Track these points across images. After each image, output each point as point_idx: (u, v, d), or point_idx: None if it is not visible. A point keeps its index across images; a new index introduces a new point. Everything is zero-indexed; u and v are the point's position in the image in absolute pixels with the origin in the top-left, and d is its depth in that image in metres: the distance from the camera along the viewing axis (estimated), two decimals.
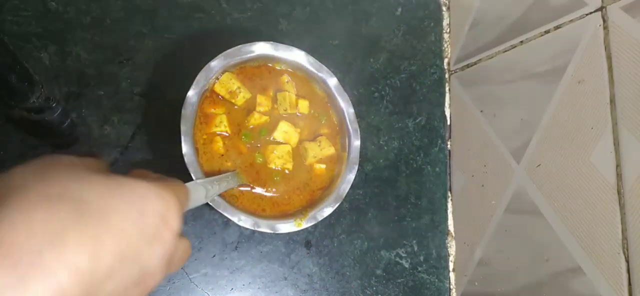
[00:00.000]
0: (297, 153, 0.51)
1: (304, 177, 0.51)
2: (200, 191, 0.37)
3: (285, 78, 0.52)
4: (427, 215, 0.63)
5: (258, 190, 0.48)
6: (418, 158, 0.64)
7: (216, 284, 0.51)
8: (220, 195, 0.44)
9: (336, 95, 0.53)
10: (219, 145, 0.47)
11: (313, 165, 0.51)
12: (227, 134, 0.48)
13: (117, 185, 0.24)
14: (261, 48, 0.50)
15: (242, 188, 0.47)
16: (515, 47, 0.59)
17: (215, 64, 0.47)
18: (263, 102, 0.50)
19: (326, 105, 0.54)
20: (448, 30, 0.72)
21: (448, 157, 0.67)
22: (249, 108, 0.49)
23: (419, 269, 0.61)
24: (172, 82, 0.52)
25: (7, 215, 0.19)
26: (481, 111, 0.63)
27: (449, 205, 0.65)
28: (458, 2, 0.71)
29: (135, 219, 0.23)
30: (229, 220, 0.44)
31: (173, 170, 0.51)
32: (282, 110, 0.51)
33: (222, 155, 0.47)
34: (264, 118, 0.49)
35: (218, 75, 0.48)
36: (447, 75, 0.70)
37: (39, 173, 0.22)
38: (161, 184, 0.26)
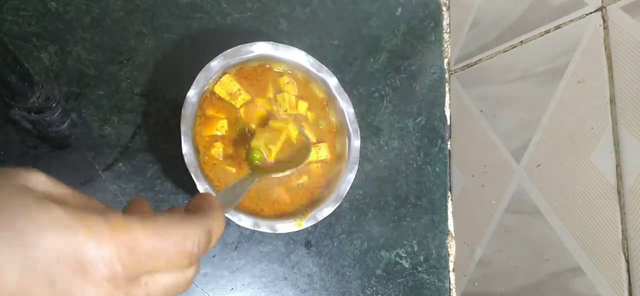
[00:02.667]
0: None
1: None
2: (229, 195, 0.32)
3: (285, 79, 0.52)
4: (427, 215, 0.63)
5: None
6: (418, 158, 0.64)
7: (216, 284, 0.51)
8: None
9: (336, 95, 0.53)
10: (219, 149, 0.47)
11: (309, 164, 0.51)
12: (228, 137, 0.48)
13: None
14: (261, 48, 0.50)
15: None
16: (515, 47, 0.59)
17: (215, 64, 0.47)
18: (263, 104, 0.50)
19: (324, 108, 0.54)
20: (448, 30, 0.72)
21: (448, 157, 0.67)
22: (249, 109, 0.49)
23: (419, 269, 0.61)
24: (172, 82, 0.52)
25: None
26: (481, 111, 0.63)
27: (449, 205, 0.65)
28: (458, 2, 0.71)
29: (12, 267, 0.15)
30: (229, 220, 0.44)
31: (173, 170, 0.51)
32: (283, 111, 0.51)
33: (224, 158, 0.47)
34: (263, 114, 0.49)
35: (218, 75, 0.48)
36: (447, 75, 0.70)
37: None
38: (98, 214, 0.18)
